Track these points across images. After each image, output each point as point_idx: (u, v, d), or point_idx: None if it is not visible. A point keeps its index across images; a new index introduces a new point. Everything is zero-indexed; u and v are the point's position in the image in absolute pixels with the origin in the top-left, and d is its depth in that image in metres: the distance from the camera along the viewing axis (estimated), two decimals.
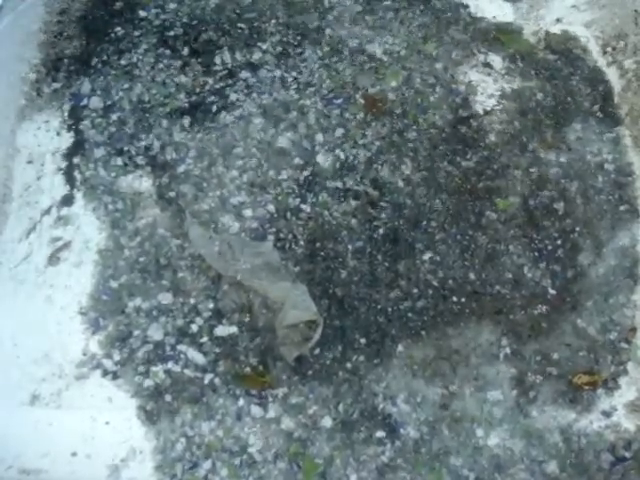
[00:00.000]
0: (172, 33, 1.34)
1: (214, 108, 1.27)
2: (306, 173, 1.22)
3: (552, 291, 1.16)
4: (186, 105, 1.27)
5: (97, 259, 1.14)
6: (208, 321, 1.10)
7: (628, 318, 1.15)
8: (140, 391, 1.05)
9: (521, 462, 1.04)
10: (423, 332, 1.12)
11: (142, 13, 1.36)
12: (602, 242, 1.20)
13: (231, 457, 1.02)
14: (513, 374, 1.10)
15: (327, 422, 1.05)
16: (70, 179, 1.19)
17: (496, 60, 1.38)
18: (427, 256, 1.17)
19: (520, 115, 1.32)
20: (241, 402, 1.05)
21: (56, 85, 1.27)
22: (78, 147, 1.22)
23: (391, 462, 1.03)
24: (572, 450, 1.06)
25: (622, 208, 1.24)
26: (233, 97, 1.29)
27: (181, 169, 1.21)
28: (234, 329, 1.10)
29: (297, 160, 1.23)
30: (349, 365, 1.08)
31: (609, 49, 1.39)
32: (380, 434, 1.05)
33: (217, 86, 1.30)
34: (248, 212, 1.18)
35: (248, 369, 1.07)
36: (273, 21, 1.37)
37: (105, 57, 1.30)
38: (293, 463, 1.02)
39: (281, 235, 1.17)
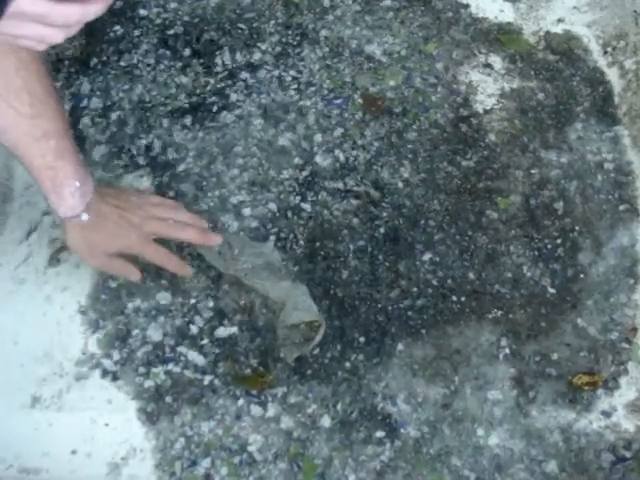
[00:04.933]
0: (172, 33, 1.35)
1: (214, 108, 1.27)
2: (306, 173, 1.22)
3: (552, 290, 1.16)
4: (187, 105, 1.28)
5: None
6: (208, 322, 1.10)
7: (629, 317, 1.15)
8: (140, 393, 1.05)
9: (521, 462, 1.04)
10: (423, 331, 1.11)
11: (142, 12, 1.36)
12: (602, 241, 1.20)
13: (230, 456, 1.01)
14: (513, 374, 1.10)
15: (326, 422, 1.04)
16: None
17: (497, 61, 1.38)
18: (427, 256, 1.17)
19: (521, 115, 1.32)
20: (240, 402, 1.05)
21: (55, 85, 1.26)
22: (78, 147, 1.22)
23: (391, 462, 1.03)
24: (572, 450, 1.06)
25: (622, 207, 1.24)
26: (233, 97, 1.29)
27: (181, 168, 1.21)
28: (234, 329, 1.09)
29: (297, 159, 1.23)
30: (348, 364, 1.08)
31: (610, 49, 1.39)
32: (380, 434, 1.04)
33: (218, 86, 1.30)
34: (248, 211, 1.18)
35: (248, 370, 1.07)
36: (272, 21, 1.37)
37: (105, 57, 1.31)
38: (293, 463, 1.02)
39: (282, 234, 1.17)
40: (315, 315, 1.07)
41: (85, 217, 0.99)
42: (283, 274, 1.11)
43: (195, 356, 1.07)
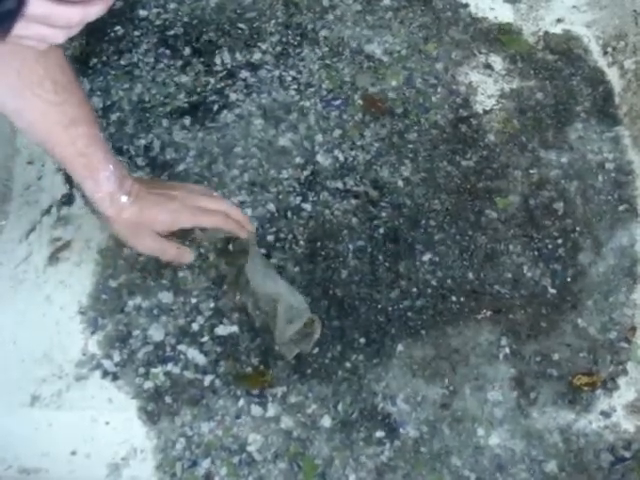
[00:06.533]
0: (172, 33, 1.35)
1: (215, 108, 1.27)
2: (307, 172, 1.22)
3: (552, 290, 1.16)
4: (186, 105, 1.28)
5: (98, 259, 1.14)
6: (209, 320, 1.10)
7: (628, 317, 1.15)
8: (140, 393, 1.05)
9: (522, 462, 1.04)
10: (423, 332, 1.12)
11: (142, 13, 1.36)
12: (602, 241, 1.20)
13: (230, 456, 1.01)
14: (513, 374, 1.10)
15: (326, 422, 1.04)
16: (70, 178, 1.19)
17: (497, 61, 1.38)
18: (427, 256, 1.17)
19: (520, 115, 1.32)
20: (241, 402, 1.05)
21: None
22: None
23: (391, 462, 1.03)
24: (571, 450, 1.06)
25: (621, 208, 1.24)
26: (233, 97, 1.29)
27: (181, 168, 1.21)
28: (235, 328, 1.09)
29: (298, 159, 1.23)
30: (349, 364, 1.08)
31: (609, 49, 1.39)
32: (380, 434, 1.04)
33: (218, 86, 1.30)
34: (248, 212, 1.17)
35: (249, 369, 1.07)
36: (273, 21, 1.37)
37: (105, 57, 1.30)
38: (293, 463, 1.02)
39: (281, 235, 1.17)
40: (308, 318, 1.06)
41: (125, 199, 0.99)
42: (268, 271, 1.09)
43: (196, 355, 1.07)
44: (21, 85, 0.87)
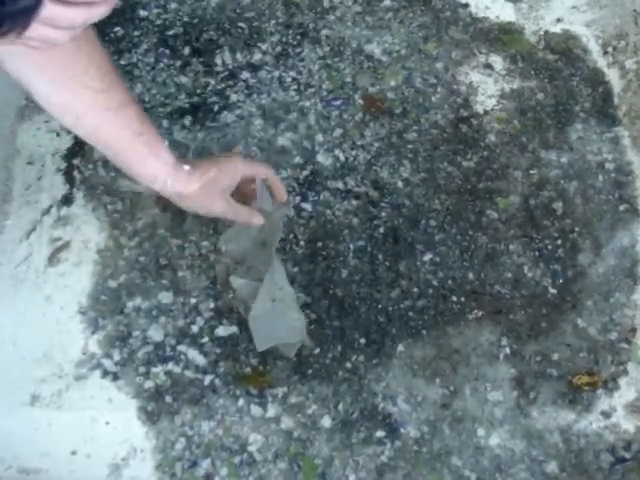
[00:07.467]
0: (172, 33, 1.34)
1: (215, 108, 1.27)
2: (306, 172, 1.22)
3: (553, 290, 1.16)
4: (187, 105, 1.27)
5: (97, 259, 1.14)
6: (209, 321, 1.10)
7: (628, 318, 1.15)
8: (141, 392, 1.05)
9: (522, 462, 1.04)
10: (424, 332, 1.12)
11: (142, 13, 1.36)
12: (602, 242, 1.20)
13: (231, 456, 1.02)
14: (513, 374, 1.10)
15: (326, 422, 1.04)
16: (70, 179, 1.19)
17: (497, 61, 1.38)
18: (428, 256, 1.17)
19: (520, 115, 1.32)
20: (241, 402, 1.05)
21: None
22: (78, 147, 1.22)
23: (391, 462, 1.03)
24: (572, 450, 1.06)
25: (622, 208, 1.24)
26: (234, 97, 1.29)
27: None
28: (234, 329, 1.09)
29: (298, 159, 1.23)
30: (349, 365, 1.08)
31: (610, 49, 1.39)
32: (380, 434, 1.04)
33: (218, 87, 1.30)
34: None
35: (249, 369, 1.07)
36: (273, 21, 1.37)
37: None
38: (293, 463, 1.02)
39: (281, 235, 1.17)
40: (301, 332, 1.06)
41: (187, 167, 1.00)
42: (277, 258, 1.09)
43: (196, 355, 1.07)
44: (66, 76, 0.87)
